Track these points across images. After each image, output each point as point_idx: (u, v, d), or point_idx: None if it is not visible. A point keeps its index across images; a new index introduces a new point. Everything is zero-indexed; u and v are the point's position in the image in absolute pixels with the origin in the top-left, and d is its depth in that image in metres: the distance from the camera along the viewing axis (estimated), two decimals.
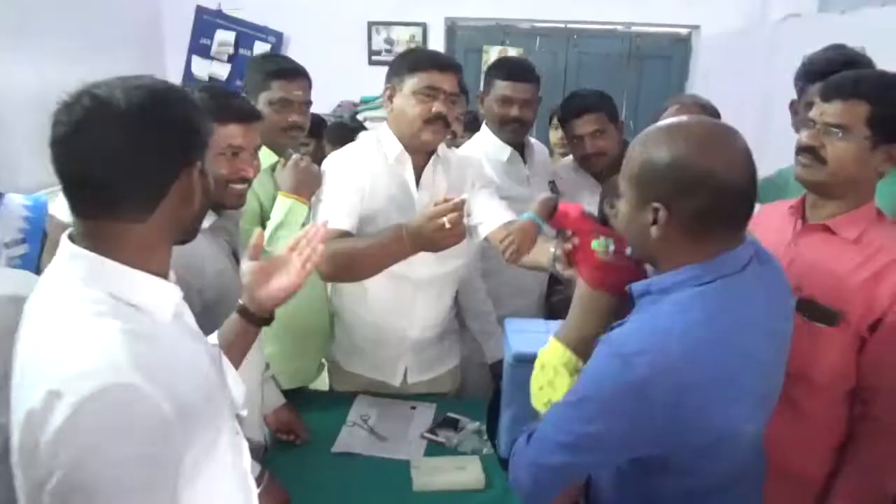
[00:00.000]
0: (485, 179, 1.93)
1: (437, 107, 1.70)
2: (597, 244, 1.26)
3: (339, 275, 1.70)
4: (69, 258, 0.85)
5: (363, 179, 1.76)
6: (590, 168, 2.23)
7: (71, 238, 0.86)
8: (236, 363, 1.12)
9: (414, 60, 1.75)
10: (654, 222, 1.01)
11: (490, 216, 1.83)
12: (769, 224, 1.49)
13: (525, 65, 2.25)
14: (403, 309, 1.89)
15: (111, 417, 0.74)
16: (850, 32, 3.16)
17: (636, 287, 1.09)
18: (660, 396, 0.95)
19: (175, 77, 4.50)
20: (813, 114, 1.35)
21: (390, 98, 1.79)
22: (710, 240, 1.02)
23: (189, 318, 0.98)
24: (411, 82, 1.72)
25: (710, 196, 0.98)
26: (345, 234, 1.67)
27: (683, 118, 1.08)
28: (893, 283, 1.26)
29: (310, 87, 1.92)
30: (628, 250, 1.20)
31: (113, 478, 0.73)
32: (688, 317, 0.98)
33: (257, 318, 1.17)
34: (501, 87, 2.12)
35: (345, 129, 4.17)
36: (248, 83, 1.91)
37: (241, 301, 1.18)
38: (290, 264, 1.18)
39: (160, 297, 0.88)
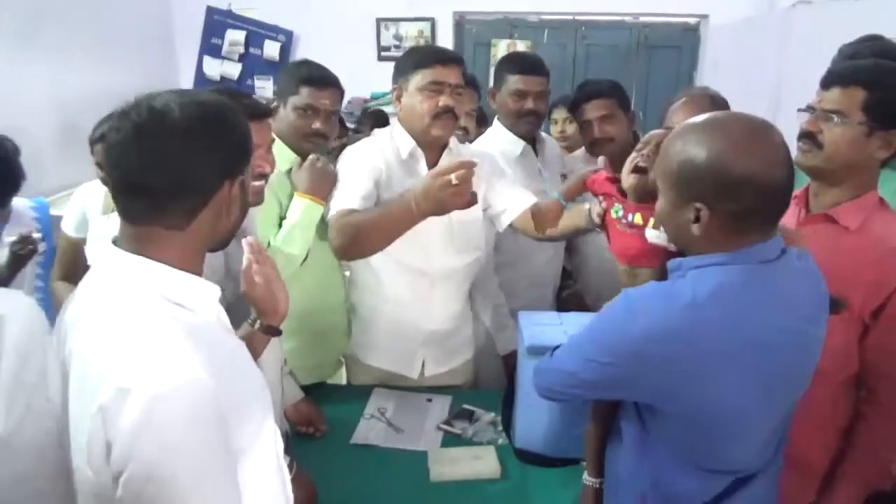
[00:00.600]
0: (500, 171, 1.96)
1: (443, 100, 1.74)
2: (614, 210, 1.37)
3: (349, 247, 1.68)
4: (117, 262, 0.90)
5: (379, 168, 1.80)
6: (597, 154, 2.25)
7: (114, 243, 0.91)
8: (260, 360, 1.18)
9: (417, 58, 1.79)
10: (696, 220, 1.04)
11: (513, 203, 1.87)
12: None
13: (535, 58, 2.28)
14: (421, 302, 1.92)
15: (181, 411, 0.79)
16: (862, 19, 3.15)
17: (671, 264, 1.13)
18: (655, 357, 1.03)
19: (187, 77, 4.55)
20: (813, 101, 1.39)
21: (398, 98, 1.83)
22: (748, 233, 1.05)
23: (224, 316, 1.02)
24: (416, 80, 1.76)
25: (752, 197, 1.00)
26: (353, 212, 1.70)
27: (720, 115, 1.10)
28: (894, 270, 1.28)
29: (340, 97, 1.94)
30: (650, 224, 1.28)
31: (184, 467, 0.79)
32: (700, 289, 1.02)
33: (264, 328, 1.20)
34: (514, 80, 2.15)
35: (381, 115, 4.24)
36: (280, 86, 1.93)
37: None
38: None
39: (204, 296, 0.94)
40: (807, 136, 1.37)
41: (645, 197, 1.30)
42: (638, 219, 1.34)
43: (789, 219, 1.45)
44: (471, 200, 1.51)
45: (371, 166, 1.80)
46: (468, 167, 1.44)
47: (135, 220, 0.90)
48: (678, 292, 1.04)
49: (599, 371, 1.11)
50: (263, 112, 1.47)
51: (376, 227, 1.62)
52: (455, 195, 1.47)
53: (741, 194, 1.00)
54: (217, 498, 0.82)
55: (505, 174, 1.96)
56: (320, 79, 1.87)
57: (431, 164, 1.85)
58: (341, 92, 1.94)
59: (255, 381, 0.97)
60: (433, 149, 1.85)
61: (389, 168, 1.81)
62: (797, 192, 1.48)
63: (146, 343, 0.82)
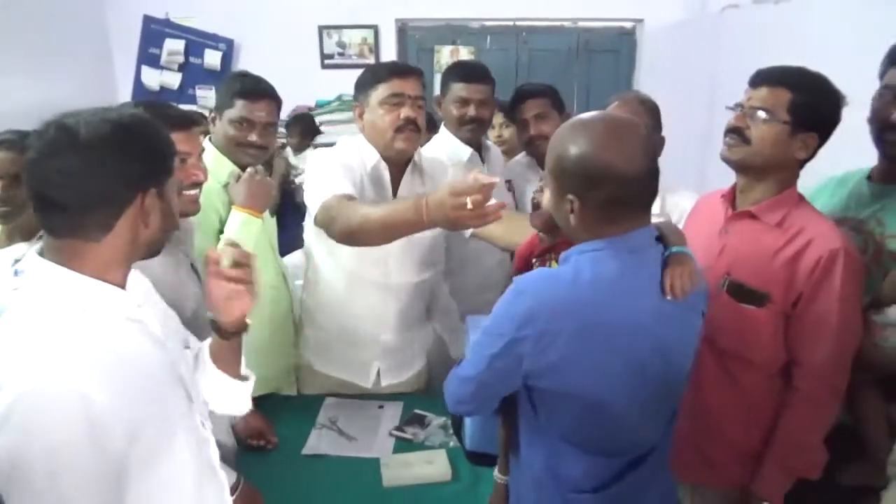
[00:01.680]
0: (463, 175, 1.95)
1: (404, 112, 1.75)
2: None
3: (352, 234, 1.61)
4: (36, 271, 0.94)
5: (356, 170, 1.79)
6: (533, 151, 2.31)
7: (39, 252, 0.95)
8: (229, 367, 1.21)
9: (375, 73, 1.80)
10: (572, 211, 1.15)
11: None
12: (704, 213, 1.59)
13: (479, 66, 2.33)
14: (378, 314, 1.93)
15: (43, 407, 0.84)
16: (785, 22, 3.31)
17: (562, 256, 1.23)
18: (537, 332, 1.11)
19: (125, 88, 4.44)
20: (742, 99, 1.46)
21: (360, 116, 1.83)
22: (620, 221, 1.15)
23: (150, 323, 1.03)
24: (376, 94, 1.77)
25: (614, 186, 1.11)
26: (352, 198, 1.66)
27: (589, 115, 1.20)
28: (810, 261, 1.36)
29: (277, 108, 1.93)
30: None
31: (44, 461, 0.83)
32: (580, 271, 1.13)
33: (227, 333, 1.19)
34: (458, 88, 2.19)
35: (308, 119, 4.22)
36: (217, 99, 1.92)
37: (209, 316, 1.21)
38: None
39: (113, 304, 0.96)
40: (734, 132, 1.44)
41: (553, 230, 1.35)
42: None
43: (718, 217, 1.52)
44: (482, 223, 1.44)
45: (350, 165, 1.79)
46: (486, 192, 1.37)
47: (53, 232, 0.94)
48: (561, 274, 1.16)
49: (491, 361, 1.17)
50: (190, 121, 1.46)
51: (384, 224, 1.55)
52: (468, 218, 1.41)
53: (603, 184, 1.11)
54: (81, 489, 0.86)
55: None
56: (254, 91, 1.86)
57: (395, 177, 1.85)
58: (278, 103, 1.93)
59: (168, 390, 1.00)
60: (397, 163, 1.85)
61: (361, 175, 1.81)
62: (724, 190, 1.55)
63: (27, 344, 0.88)
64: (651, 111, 1.94)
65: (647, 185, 1.15)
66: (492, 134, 3.02)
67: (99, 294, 0.95)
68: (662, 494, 1.32)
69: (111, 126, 0.92)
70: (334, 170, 1.75)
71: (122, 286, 0.99)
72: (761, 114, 1.39)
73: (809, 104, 1.38)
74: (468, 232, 1.90)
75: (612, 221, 1.14)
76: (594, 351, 1.12)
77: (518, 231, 1.65)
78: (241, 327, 1.19)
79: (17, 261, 1.46)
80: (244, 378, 1.26)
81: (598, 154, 1.10)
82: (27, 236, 1.52)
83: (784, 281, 1.38)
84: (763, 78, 1.43)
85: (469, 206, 1.35)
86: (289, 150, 4.23)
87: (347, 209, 1.60)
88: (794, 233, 1.39)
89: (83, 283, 0.93)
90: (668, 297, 1.14)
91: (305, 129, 4.17)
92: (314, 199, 1.70)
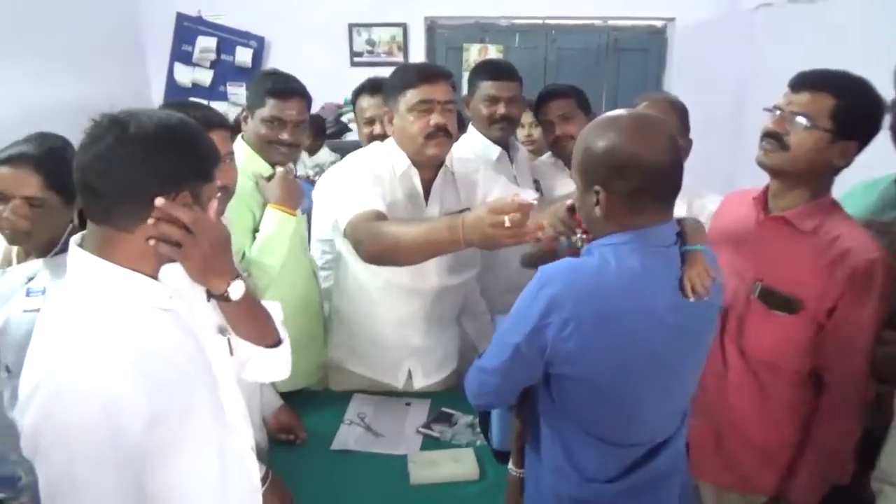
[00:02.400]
0: (494, 177, 1.95)
1: (434, 119, 1.73)
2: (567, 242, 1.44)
3: (382, 255, 1.59)
4: (75, 260, 0.99)
5: (384, 178, 1.79)
6: (558, 151, 2.31)
7: (78, 243, 1.00)
8: (247, 332, 1.19)
9: (403, 78, 1.78)
10: (597, 203, 1.18)
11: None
12: (732, 214, 1.57)
13: (507, 64, 2.32)
14: (412, 319, 1.93)
15: (63, 388, 0.88)
16: (819, 21, 3.25)
17: (585, 249, 1.26)
18: (561, 318, 1.14)
19: (158, 85, 4.52)
20: (780, 102, 1.41)
21: (390, 121, 1.82)
22: (644, 212, 1.18)
23: (183, 313, 1.06)
24: (405, 100, 1.75)
25: (639, 177, 1.14)
26: (381, 215, 1.63)
27: (616, 111, 1.23)
28: (847, 270, 1.33)
29: (307, 106, 1.95)
30: None
31: (61, 441, 0.88)
32: (605, 260, 1.17)
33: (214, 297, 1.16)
34: (487, 87, 2.19)
35: (318, 120, 4.24)
36: (248, 99, 1.95)
37: None
38: None
39: (143, 294, 1.00)
40: (772, 136, 1.40)
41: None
42: None
43: (749, 219, 1.50)
44: (520, 242, 1.44)
45: (379, 173, 1.78)
46: (524, 210, 1.36)
47: (92, 218, 0.99)
48: (585, 263, 1.19)
49: (515, 350, 1.20)
50: (217, 123, 1.47)
51: (417, 246, 1.53)
52: (507, 236, 1.39)
53: (628, 174, 1.14)
54: (96, 472, 0.89)
55: (499, 179, 1.95)
56: (284, 90, 1.88)
57: (426, 181, 1.84)
58: (308, 101, 1.96)
59: (196, 379, 1.03)
60: (428, 168, 1.84)
61: (391, 181, 1.80)
62: (755, 191, 1.53)
63: (53, 329, 0.94)
64: (680, 113, 1.93)
65: (670, 176, 1.18)
66: (521, 133, 3.01)
67: (129, 284, 0.98)
68: (680, 490, 1.33)
69: (157, 124, 0.96)
70: (363, 182, 1.73)
71: (155, 276, 1.02)
72: (802, 120, 1.35)
73: (853, 112, 1.33)
74: None
75: (636, 212, 1.17)
76: (614, 339, 1.15)
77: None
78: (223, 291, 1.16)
79: (30, 279, 1.43)
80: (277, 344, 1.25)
81: (623, 144, 1.14)
82: (42, 253, 1.46)
83: (819, 289, 1.36)
84: (806, 82, 1.38)
85: (507, 224, 1.35)
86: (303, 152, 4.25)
87: (376, 232, 1.57)
88: (829, 241, 1.36)
89: (114, 273, 0.97)
90: (692, 299, 1.17)
91: (317, 129, 4.19)
92: (343, 213, 1.69)
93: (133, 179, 0.95)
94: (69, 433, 0.88)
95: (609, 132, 1.17)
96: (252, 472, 1.19)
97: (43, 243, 1.46)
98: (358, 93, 2.44)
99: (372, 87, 2.32)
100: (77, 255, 0.99)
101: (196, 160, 1.01)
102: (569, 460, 1.26)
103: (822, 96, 1.34)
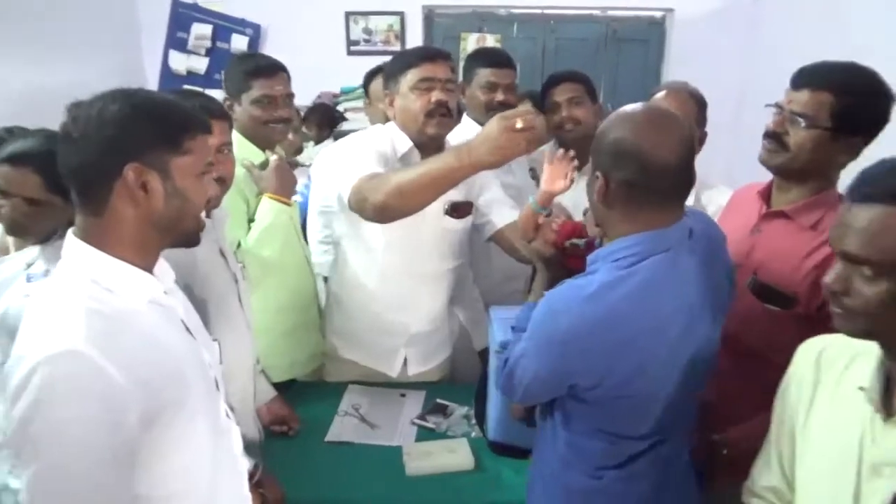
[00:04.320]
0: (489, 180, 1.95)
1: (435, 96, 1.75)
2: (570, 243, 1.43)
3: (391, 203, 1.57)
4: (66, 246, 0.97)
5: (386, 156, 1.79)
6: (563, 136, 2.28)
7: (74, 231, 0.98)
8: None
9: (403, 60, 1.80)
10: (599, 188, 1.17)
11: (497, 215, 1.89)
12: (741, 208, 1.55)
13: (504, 52, 2.33)
14: (406, 303, 1.94)
15: (59, 380, 0.84)
16: (823, 12, 3.22)
17: (590, 257, 1.23)
18: (580, 350, 1.14)
19: (153, 72, 4.48)
20: (782, 100, 1.39)
21: (391, 103, 1.83)
22: (642, 214, 1.16)
23: (177, 309, 1.05)
24: (406, 80, 1.77)
25: (636, 169, 1.13)
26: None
27: (639, 104, 1.21)
28: None
29: (289, 79, 1.95)
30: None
31: (56, 434, 0.84)
32: (610, 284, 1.13)
33: None
34: (485, 74, 2.18)
35: (328, 110, 4.21)
36: (230, 85, 1.93)
37: None
38: None
39: (134, 284, 0.97)
40: (772, 136, 1.38)
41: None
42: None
43: (752, 213, 1.49)
44: (533, 148, 1.44)
45: (381, 150, 1.78)
46: (535, 113, 1.44)
47: (76, 209, 0.98)
48: (591, 289, 1.14)
49: (541, 373, 1.21)
50: (217, 112, 1.44)
51: (421, 182, 1.52)
52: (520, 141, 1.39)
53: (627, 164, 1.13)
54: (90, 468, 0.86)
55: (493, 184, 1.97)
56: (267, 67, 1.89)
57: None
58: (288, 74, 1.95)
59: (186, 375, 1.00)
60: (429, 149, 1.83)
61: (392, 162, 1.80)
62: (761, 185, 1.51)
63: (49, 319, 0.90)
64: (699, 104, 1.92)
65: (674, 177, 1.14)
66: None
67: (121, 274, 0.96)
68: (684, 473, 1.32)
69: (106, 99, 0.94)
70: (364, 154, 1.74)
71: (148, 269, 0.99)
72: (801, 120, 1.33)
73: (854, 108, 1.30)
74: (489, 233, 1.92)
75: (634, 208, 1.16)
76: (628, 357, 1.14)
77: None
78: None
79: (29, 265, 1.42)
80: None
81: (628, 136, 1.14)
82: (41, 241, 1.44)
83: (811, 285, 1.33)
84: (805, 79, 1.35)
85: (519, 125, 1.36)
86: (311, 142, 4.22)
87: (377, 182, 1.59)
88: (827, 236, 1.35)
89: (106, 262, 0.95)
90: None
91: (323, 119, 4.16)
92: (345, 186, 1.68)
93: (86, 159, 0.93)
94: (65, 425, 0.84)
95: (624, 121, 1.17)
96: (242, 476, 1.18)
97: (42, 236, 1.45)
98: (372, 74, 2.49)
99: None
100: (73, 244, 0.97)
101: (147, 127, 0.95)
102: (573, 450, 1.26)
103: (822, 94, 1.32)
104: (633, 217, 1.16)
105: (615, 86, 4.46)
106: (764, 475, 1.14)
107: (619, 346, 1.13)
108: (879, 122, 1.33)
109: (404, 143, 1.82)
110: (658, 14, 4.43)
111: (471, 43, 4.44)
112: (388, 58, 1.91)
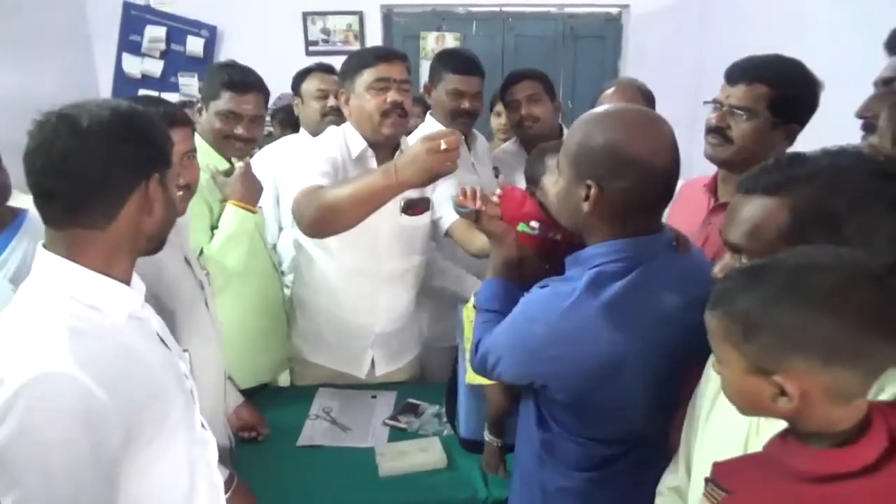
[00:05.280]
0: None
1: (391, 96, 1.75)
2: (522, 227, 1.42)
3: (321, 222, 1.62)
4: (40, 263, 0.93)
5: (337, 161, 1.78)
6: (522, 134, 2.31)
7: (44, 245, 0.94)
8: None
9: (359, 59, 1.80)
10: (587, 199, 1.12)
11: (447, 211, 1.89)
12: (688, 201, 1.59)
13: (472, 58, 2.31)
14: (368, 303, 1.93)
15: (43, 401, 0.82)
16: (777, 6, 3.31)
17: (568, 259, 1.21)
18: (553, 357, 1.13)
19: (106, 77, 4.37)
20: (719, 96, 1.46)
21: (346, 102, 1.83)
22: (632, 219, 1.13)
23: (152, 321, 1.04)
24: (361, 80, 1.76)
25: (637, 178, 1.09)
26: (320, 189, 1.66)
27: (619, 105, 1.20)
28: None
29: (265, 100, 1.92)
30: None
31: (40, 458, 0.82)
32: (589, 301, 1.09)
33: None
34: (453, 80, 2.18)
35: (290, 110, 4.16)
36: (203, 89, 1.91)
37: None
38: None
39: (116, 299, 0.95)
40: (715, 131, 1.45)
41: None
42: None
43: (701, 207, 1.53)
44: (454, 168, 1.49)
45: (330, 156, 1.78)
46: (457, 134, 1.46)
47: (54, 224, 0.94)
48: (571, 297, 1.10)
49: (510, 369, 1.22)
50: (180, 120, 1.42)
51: (352, 200, 1.55)
52: (443, 161, 1.45)
53: (629, 173, 1.09)
54: (75, 490, 0.84)
55: (450, 179, 1.93)
56: (241, 83, 1.85)
57: (382, 163, 1.84)
58: (266, 95, 1.92)
59: (167, 389, 0.99)
60: (385, 148, 1.84)
61: (344, 164, 1.80)
62: (707, 178, 1.56)
63: (28, 339, 0.86)
64: (647, 99, 1.95)
65: (668, 181, 1.13)
66: (498, 122, 3.02)
67: (103, 289, 0.94)
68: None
69: (111, 113, 0.92)
70: (310, 164, 1.74)
71: (127, 282, 0.98)
72: (742, 113, 1.40)
73: (788, 97, 1.38)
74: (443, 229, 1.93)
75: (625, 214, 1.12)
76: (606, 371, 1.11)
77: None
78: None
79: None
80: None
81: (628, 142, 1.09)
82: None
83: None
84: (739, 74, 1.43)
85: (443, 146, 1.41)
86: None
87: (312, 198, 1.60)
88: None
89: (87, 277, 0.92)
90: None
91: (287, 119, 4.12)
92: (290, 196, 1.70)
93: (100, 176, 0.91)
94: (49, 449, 0.82)
95: (612, 126, 1.11)
96: (219, 488, 1.17)
97: None
98: (304, 74, 2.49)
99: (322, 68, 2.43)
100: (45, 258, 0.93)
101: (158, 142, 0.99)
102: (547, 450, 1.26)
103: (757, 86, 1.39)
104: (621, 224, 1.12)
105: (574, 82, 4.51)
106: (669, 475, 1.14)
107: (593, 357, 1.10)
108: (811, 108, 1.41)
109: (358, 144, 1.82)
110: (614, 10, 4.50)
111: (430, 42, 4.44)
112: (346, 58, 1.90)
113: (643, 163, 1.08)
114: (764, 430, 0.87)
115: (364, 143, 1.82)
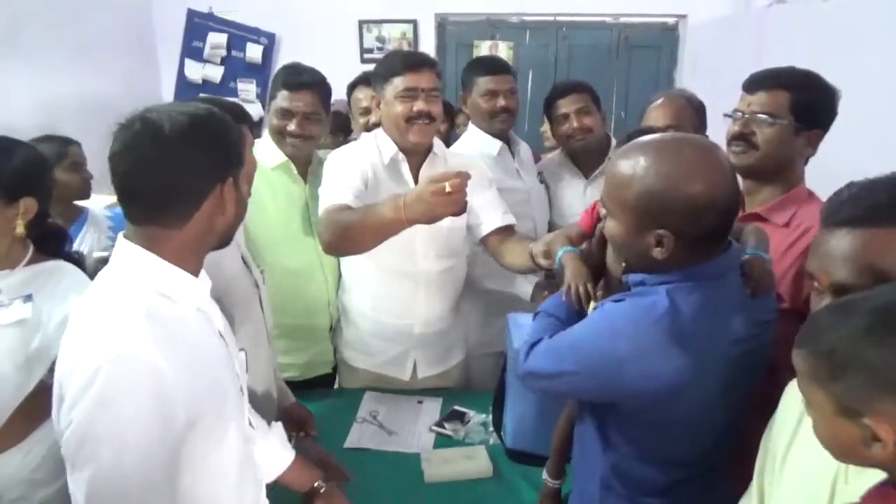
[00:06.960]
0: (486, 183, 1.96)
1: (417, 105, 1.78)
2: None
3: (337, 244, 1.69)
4: (121, 251, 0.99)
5: (366, 170, 1.83)
6: (571, 146, 2.30)
7: (125, 235, 1.00)
8: None
9: (388, 67, 1.83)
10: (658, 244, 1.07)
11: (488, 219, 1.90)
12: None
13: (499, 58, 2.39)
14: (407, 305, 1.95)
15: (120, 379, 0.87)
16: (832, 20, 3.22)
17: (632, 279, 1.17)
18: (635, 374, 1.07)
19: (168, 81, 4.52)
20: (740, 106, 1.47)
21: (378, 106, 1.87)
22: (709, 251, 1.10)
23: (216, 316, 1.09)
24: (391, 88, 1.80)
25: (714, 219, 1.06)
26: (345, 208, 1.71)
27: (668, 142, 1.12)
28: None
29: (319, 98, 1.97)
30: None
31: (116, 433, 0.86)
32: (670, 311, 1.06)
33: None
34: (484, 82, 2.22)
35: (343, 117, 4.23)
36: (271, 90, 2.01)
37: None
38: None
39: (188, 291, 1.01)
40: (740, 138, 1.45)
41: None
42: None
43: None
44: (461, 210, 1.51)
45: (359, 167, 1.82)
46: (463, 177, 1.46)
47: (134, 221, 0.99)
48: (654, 315, 1.07)
49: (585, 383, 1.15)
50: (246, 119, 1.46)
51: (363, 228, 1.62)
52: (447, 203, 1.47)
53: (705, 218, 1.05)
54: (145, 467, 0.88)
55: (490, 187, 1.97)
56: (294, 83, 1.92)
57: (415, 168, 1.88)
58: (322, 93, 1.97)
59: (224, 382, 1.04)
60: (416, 154, 1.87)
61: (376, 171, 1.84)
62: None
63: (109, 322, 0.92)
64: (697, 110, 1.92)
65: (736, 208, 1.11)
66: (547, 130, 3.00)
67: (176, 280, 0.99)
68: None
69: (189, 119, 0.96)
70: (339, 176, 1.79)
71: (197, 273, 1.03)
72: (765, 117, 1.40)
73: (809, 102, 1.40)
74: (479, 236, 1.94)
75: (699, 252, 1.09)
76: (683, 387, 1.08)
77: (520, 255, 1.73)
78: None
79: None
80: None
81: (698, 187, 1.04)
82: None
83: (792, 280, 1.35)
84: (759, 83, 1.45)
85: (448, 189, 1.42)
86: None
87: (331, 221, 1.67)
88: (801, 231, 1.38)
89: (163, 268, 0.98)
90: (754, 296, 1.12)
91: (336, 126, 4.18)
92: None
93: (179, 182, 0.96)
94: (124, 424, 0.87)
95: (673, 170, 1.05)
96: (261, 486, 1.20)
97: None
98: (353, 86, 2.57)
99: (367, 80, 2.42)
100: (126, 248, 0.99)
101: (232, 145, 1.03)
102: (618, 476, 1.21)
103: (778, 93, 1.41)
104: (695, 256, 1.09)
105: (627, 93, 4.46)
106: None
107: (676, 373, 1.06)
108: (832, 114, 1.42)
109: (390, 148, 1.86)
110: (671, 20, 4.43)
111: (483, 50, 4.45)
112: (380, 58, 1.95)
113: (718, 203, 1.05)
114: (854, 481, 0.82)
115: (395, 148, 1.85)
